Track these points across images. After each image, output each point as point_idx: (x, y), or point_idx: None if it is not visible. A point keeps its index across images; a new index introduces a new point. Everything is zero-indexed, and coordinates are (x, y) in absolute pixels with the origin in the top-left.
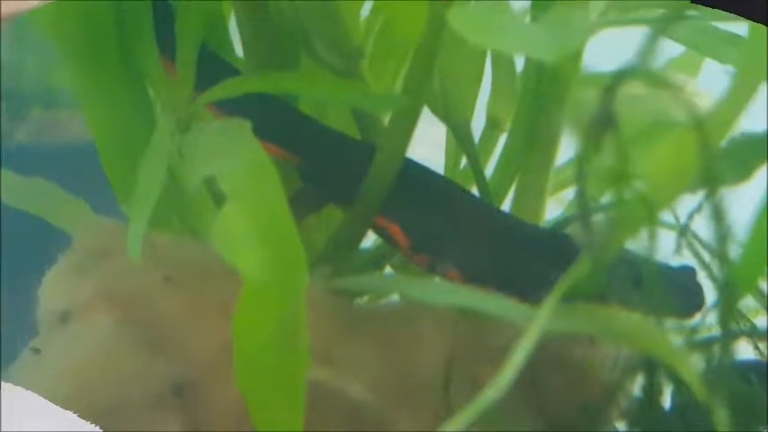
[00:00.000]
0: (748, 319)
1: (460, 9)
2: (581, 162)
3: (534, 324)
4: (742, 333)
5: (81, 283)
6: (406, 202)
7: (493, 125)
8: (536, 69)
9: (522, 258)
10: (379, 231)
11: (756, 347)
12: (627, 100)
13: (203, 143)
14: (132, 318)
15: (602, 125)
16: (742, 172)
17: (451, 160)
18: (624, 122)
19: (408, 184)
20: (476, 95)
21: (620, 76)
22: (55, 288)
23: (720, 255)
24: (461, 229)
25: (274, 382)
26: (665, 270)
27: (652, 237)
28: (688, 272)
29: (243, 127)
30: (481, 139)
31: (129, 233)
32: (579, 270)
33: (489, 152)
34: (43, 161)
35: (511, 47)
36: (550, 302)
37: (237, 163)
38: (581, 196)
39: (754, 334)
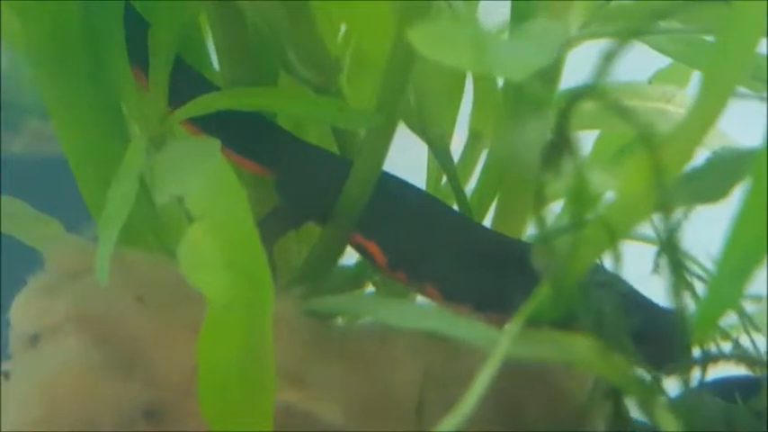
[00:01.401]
0: (730, 337)
1: (423, 27)
2: (538, 186)
3: (498, 349)
4: (722, 355)
5: (51, 304)
6: (383, 218)
7: (475, 140)
8: (516, 84)
9: (504, 274)
10: (358, 249)
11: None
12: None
13: (172, 162)
14: (103, 339)
15: (558, 148)
16: (719, 190)
17: (433, 176)
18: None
19: (385, 201)
20: (455, 111)
21: (573, 98)
22: (25, 309)
23: (676, 280)
24: (439, 246)
25: (240, 406)
26: (644, 308)
27: (616, 260)
28: (666, 316)
29: (211, 146)
30: (463, 154)
31: (97, 254)
32: (542, 294)
33: (472, 167)
34: (38, 172)
35: (475, 65)
36: (514, 327)
37: (204, 183)
38: (539, 220)
39: (737, 354)
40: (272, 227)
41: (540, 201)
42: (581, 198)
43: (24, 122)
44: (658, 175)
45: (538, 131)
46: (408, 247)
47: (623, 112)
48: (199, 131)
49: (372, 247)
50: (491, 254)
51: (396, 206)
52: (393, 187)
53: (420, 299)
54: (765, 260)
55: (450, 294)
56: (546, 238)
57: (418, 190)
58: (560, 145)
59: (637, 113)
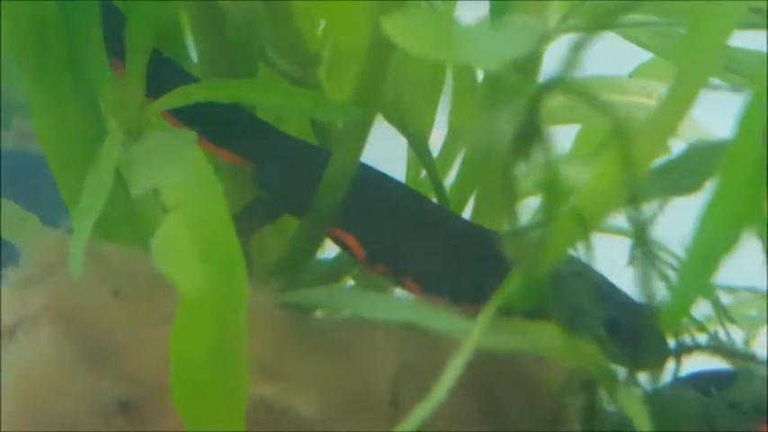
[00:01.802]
0: (705, 329)
1: (396, 17)
2: (508, 175)
3: (468, 339)
4: (696, 346)
5: (28, 298)
6: (361, 211)
7: (454, 134)
8: (496, 77)
9: (484, 266)
10: (336, 242)
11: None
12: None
13: (148, 154)
14: (79, 332)
15: (528, 138)
16: (694, 182)
17: (413, 169)
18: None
19: (364, 193)
20: (434, 105)
21: (544, 89)
22: (2, 303)
23: (644, 274)
24: (418, 239)
25: (212, 399)
26: (616, 299)
27: (588, 251)
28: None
29: (188, 139)
30: (443, 147)
31: (72, 246)
32: (513, 284)
33: (451, 161)
34: (25, 169)
35: (449, 55)
36: (485, 318)
37: (179, 175)
38: (510, 210)
39: (711, 346)
40: (249, 219)
41: (510, 191)
42: (553, 189)
43: (10, 119)
44: (628, 166)
45: (510, 122)
46: (387, 240)
47: (593, 103)
48: (177, 123)
49: (351, 241)
50: (470, 246)
51: (374, 199)
52: (372, 180)
53: (399, 292)
54: (734, 249)
55: (429, 287)
56: (517, 228)
57: (397, 182)
58: (530, 135)
59: (608, 104)
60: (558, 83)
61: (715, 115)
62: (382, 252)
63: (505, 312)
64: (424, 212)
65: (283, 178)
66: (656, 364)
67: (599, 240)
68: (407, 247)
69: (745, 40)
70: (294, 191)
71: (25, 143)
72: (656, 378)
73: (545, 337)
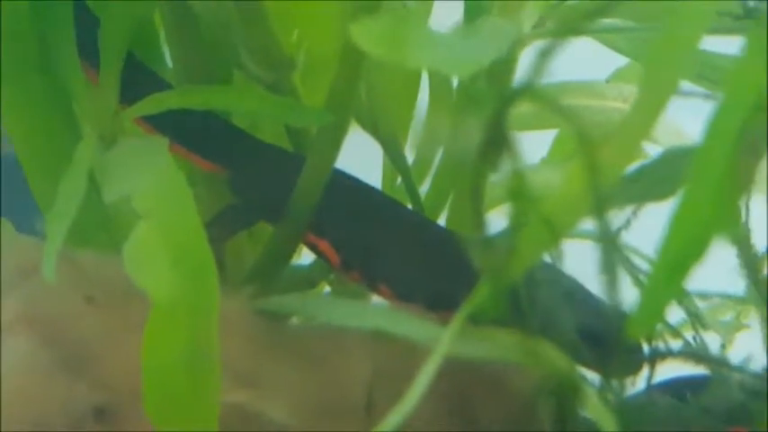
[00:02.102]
0: (679, 334)
1: (365, 23)
2: (476, 183)
3: (438, 347)
4: (669, 352)
5: (1, 304)
6: (335, 217)
7: (429, 140)
8: (470, 82)
9: (458, 273)
10: (311, 248)
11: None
12: None
13: (120, 160)
14: (52, 339)
15: (494, 145)
16: (667, 187)
17: (388, 177)
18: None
19: (338, 199)
20: (409, 111)
21: (511, 95)
22: None
23: (610, 281)
24: (392, 245)
25: (185, 406)
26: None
27: (557, 258)
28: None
29: (160, 145)
30: (418, 154)
31: (44, 251)
32: (481, 292)
33: (427, 167)
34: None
35: (418, 61)
36: (454, 325)
37: (151, 182)
38: (477, 217)
39: (684, 351)
40: (222, 226)
41: (477, 198)
42: (521, 196)
43: None
44: (595, 173)
45: (478, 130)
46: (361, 246)
47: (558, 109)
48: (151, 129)
49: (325, 247)
50: (445, 253)
51: (349, 205)
52: (346, 186)
53: (375, 298)
54: (703, 256)
55: (404, 293)
56: (484, 236)
57: (372, 188)
58: (497, 142)
59: (572, 111)
60: (524, 90)
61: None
62: (357, 258)
63: (477, 320)
64: (398, 219)
65: (257, 185)
66: (630, 371)
67: (575, 246)
68: (382, 253)
69: (717, 45)
70: (268, 197)
71: (6, 146)
72: (630, 384)
73: (509, 344)
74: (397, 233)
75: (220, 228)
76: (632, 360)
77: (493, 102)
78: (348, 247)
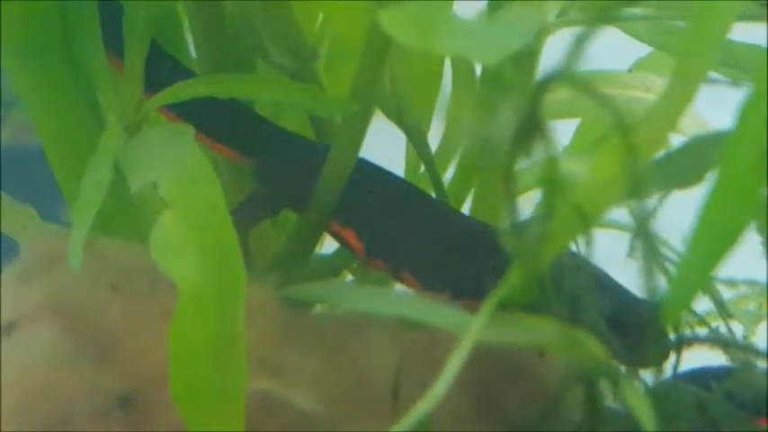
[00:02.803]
0: (707, 324)
1: (393, 10)
2: (508, 169)
3: (468, 334)
4: (696, 339)
5: (26, 293)
6: (360, 206)
7: (453, 128)
8: (494, 72)
9: (482, 260)
10: (335, 236)
11: (727, 353)
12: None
13: (146, 149)
14: (78, 328)
15: (529, 131)
16: (694, 174)
17: (411, 164)
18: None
19: (362, 188)
20: (433, 99)
21: (546, 82)
22: (1, 298)
23: (648, 261)
24: (417, 233)
25: (211, 393)
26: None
27: (588, 245)
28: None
29: (185, 133)
30: (441, 142)
31: (71, 240)
32: (513, 279)
33: (450, 155)
34: (24, 164)
35: (447, 48)
36: (484, 312)
37: (177, 170)
38: (510, 203)
39: (711, 338)
40: (247, 214)
41: (510, 185)
42: (553, 183)
43: (7, 113)
44: (630, 158)
45: (512, 116)
46: (385, 234)
47: (595, 96)
48: (175, 118)
49: (349, 235)
50: (469, 241)
51: (373, 194)
52: (370, 174)
53: (399, 286)
54: (736, 243)
55: (428, 282)
56: (516, 222)
57: (396, 177)
58: (532, 128)
59: (609, 97)
60: (562, 75)
61: (717, 113)
62: (381, 247)
63: (505, 307)
64: (423, 207)
65: (282, 174)
66: (657, 361)
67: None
68: (406, 241)
69: (744, 32)
70: (293, 186)
71: (24, 137)
72: (657, 373)
73: (544, 331)
74: (422, 222)
75: (244, 215)
76: (659, 349)
77: (526, 88)
78: (372, 236)
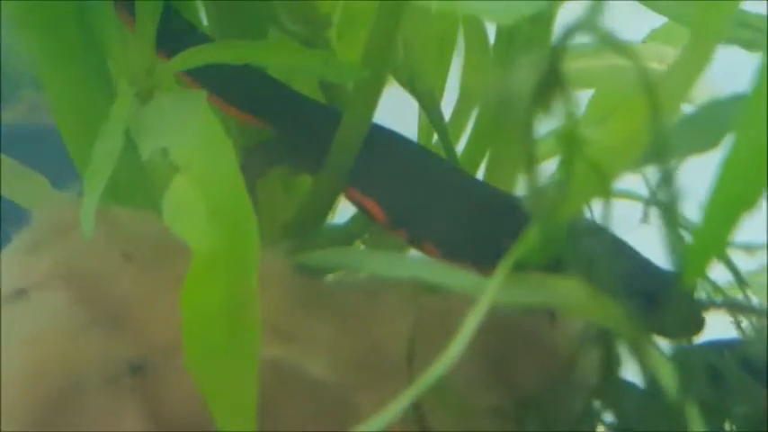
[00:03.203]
0: (723, 291)
1: None
2: (528, 125)
3: (484, 295)
4: (715, 304)
5: (37, 260)
6: (383, 175)
7: (466, 96)
8: (507, 39)
9: (505, 230)
10: (357, 206)
11: (738, 325)
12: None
13: (158, 115)
14: (89, 295)
15: (549, 85)
16: (711, 138)
17: (424, 133)
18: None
19: (384, 157)
20: (446, 66)
21: (568, 34)
22: (10, 265)
23: (669, 223)
24: (439, 203)
25: (224, 359)
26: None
27: (606, 205)
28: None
29: (198, 99)
30: (454, 110)
31: (82, 207)
32: (529, 239)
33: (463, 124)
34: (32, 142)
35: (464, 8)
36: (500, 273)
37: (190, 135)
38: (529, 160)
39: (731, 306)
40: (256, 162)
41: (530, 142)
42: (572, 140)
43: (17, 92)
44: (653, 114)
45: (531, 72)
46: (408, 204)
47: (618, 46)
48: (191, 80)
49: (371, 205)
50: (492, 210)
51: (396, 163)
52: (393, 143)
53: (413, 253)
54: (753, 206)
55: (450, 252)
56: (536, 182)
57: (418, 146)
58: (552, 84)
59: (633, 48)
60: (583, 26)
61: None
62: (404, 217)
63: (522, 267)
64: (446, 176)
65: (296, 136)
66: (691, 331)
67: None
68: (428, 211)
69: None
70: (306, 149)
71: (36, 116)
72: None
73: (566, 291)
74: (445, 191)
75: (254, 163)
76: (693, 319)
77: (543, 48)
78: (395, 205)
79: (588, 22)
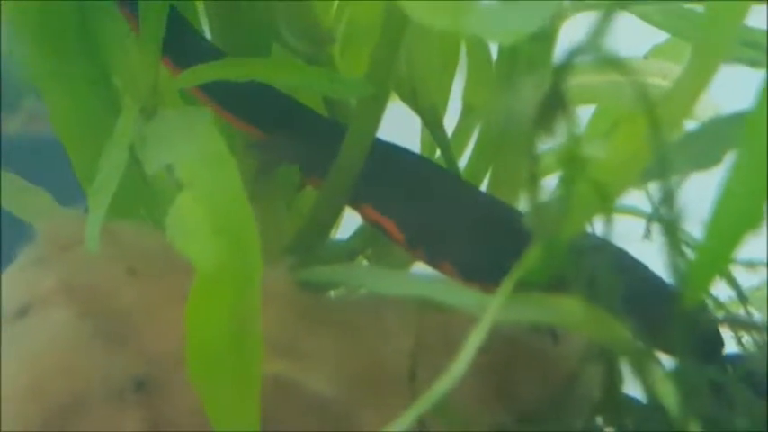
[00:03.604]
0: (724, 307)
1: None
2: (531, 145)
3: (487, 313)
4: (717, 320)
5: (42, 276)
6: (401, 194)
7: (468, 112)
8: (510, 55)
9: (523, 249)
10: (374, 225)
11: (739, 341)
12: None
13: (163, 130)
14: (93, 310)
15: (553, 107)
16: (714, 155)
17: (427, 149)
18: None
19: (402, 177)
20: (448, 82)
21: (571, 57)
22: (15, 281)
23: (672, 240)
24: (457, 223)
25: (227, 374)
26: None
27: (608, 223)
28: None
29: (201, 115)
30: (457, 126)
31: (87, 223)
32: (532, 257)
33: (466, 140)
34: (34, 152)
35: (465, 28)
36: (503, 292)
37: (194, 151)
38: (531, 180)
39: (729, 318)
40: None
41: (533, 161)
42: (574, 160)
43: (20, 102)
44: (654, 132)
45: (534, 92)
46: (426, 225)
47: (620, 66)
48: (199, 93)
49: (389, 224)
50: (509, 231)
51: (414, 182)
52: (411, 162)
53: (416, 269)
54: (758, 224)
55: (469, 272)
56: (539, 200)
57: (436, 167)
58: (555, 105)
59: (634, 67)
60: (586, 49)
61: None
62: (422, 236)
63: (525, 286)
64: (464, 197)
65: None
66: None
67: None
68: (447, 232)
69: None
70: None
71: (37, 126)
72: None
73: (567, 310)
74: (462, 211)
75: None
76: (712, 338)
77: (545, 67)
78: (413, 225)
79: (591, 44)
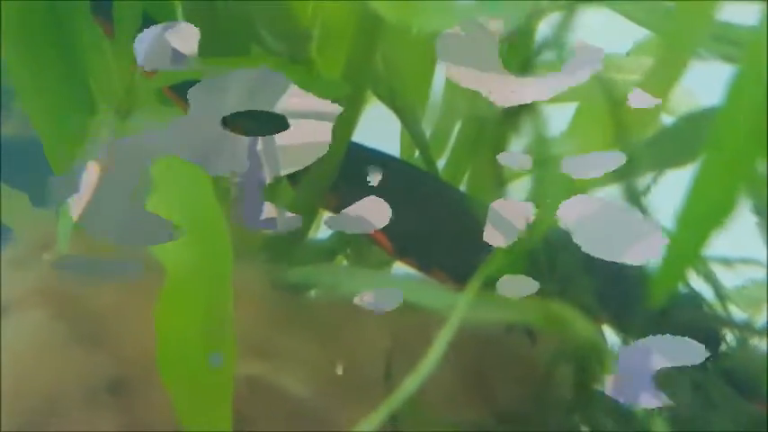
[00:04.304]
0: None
1: None
2: (497, 145)
3: (455, 312)
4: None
5: (18, 278)
6: (389, 202)
7: (448, 111)
8: None
9: None
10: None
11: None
12: None
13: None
14: (67, 312)
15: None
16: (689, 152)
17: (406, 150)
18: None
19: (390, 184)
20: (427, 81)
21: (536, 53)
22: None
23: None
24: (445, 230)
25: (199, 376)
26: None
27: None
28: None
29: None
30: (435, 127)
31: (59, 225)
32: (499, 256)
33: (444, 141)
34: (27, 155)
35: (435, 26)
36: (470, 290)
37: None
38: (498, 179)
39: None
40: None
41: (497, 162)
42: (542, 157)
43: (13, 104)
44: (621, 128)
45: None
46: (415, 233)
47: (581, 63)
48: (176, 97)
49: (378, 235)
50: None
51: (401, 191)
52: (399, 171)
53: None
54: (725, 221)
55: (459, 277)
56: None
57: (423, 173)
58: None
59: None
60: (549, 44)
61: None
62: (411, 245)
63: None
64: (452, 204)
65: None
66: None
67: None
68: (436, 238)
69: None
70: None
71: (30, 129)
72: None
73: (532, 309)
74: (451, 219)
75: None
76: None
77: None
78: (401, 234)
79: (555, 41)
